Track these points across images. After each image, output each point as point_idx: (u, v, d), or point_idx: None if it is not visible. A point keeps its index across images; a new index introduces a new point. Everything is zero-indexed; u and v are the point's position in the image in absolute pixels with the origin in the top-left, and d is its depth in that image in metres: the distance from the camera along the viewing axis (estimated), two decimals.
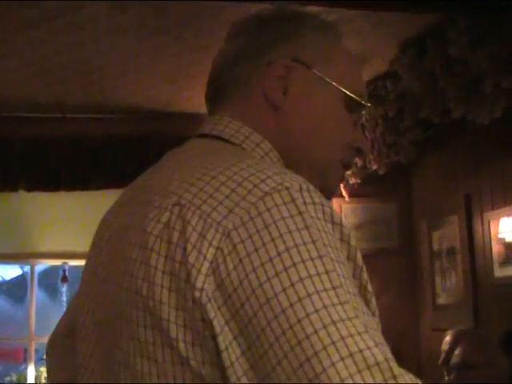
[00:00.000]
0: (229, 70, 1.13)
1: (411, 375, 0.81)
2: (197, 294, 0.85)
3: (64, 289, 7.87)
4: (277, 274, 0.82)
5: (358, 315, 0.82)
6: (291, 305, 0.80)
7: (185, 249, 0.87)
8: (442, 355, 4.06)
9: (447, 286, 5.06)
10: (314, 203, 0.89)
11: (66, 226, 5.34)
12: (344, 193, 5.41)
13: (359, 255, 0.93)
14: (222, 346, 0.83)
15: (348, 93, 1.13)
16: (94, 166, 4.89)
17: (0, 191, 5.06)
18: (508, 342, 3.76)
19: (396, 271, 5.51)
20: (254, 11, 1.19)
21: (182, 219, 0.89)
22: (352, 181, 5.31)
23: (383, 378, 0.78)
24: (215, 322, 0.84)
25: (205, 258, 0.85)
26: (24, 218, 5.25)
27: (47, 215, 5.28)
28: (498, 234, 4.45)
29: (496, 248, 4.48)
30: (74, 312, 1.14)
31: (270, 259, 0.83)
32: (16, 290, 9.25)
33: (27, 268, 6.65)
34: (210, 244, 0.86)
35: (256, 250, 0.84)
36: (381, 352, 0.80)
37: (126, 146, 4.97)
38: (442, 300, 5.13)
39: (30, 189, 4.95)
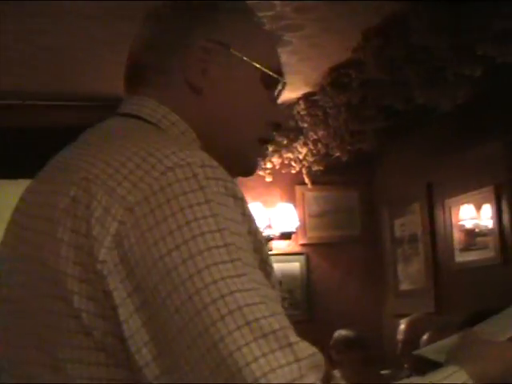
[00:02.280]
0: (147, 53, 1.14)
1: (307, 343, 0.86)
2: (99, 266, 0.88)
3: None
4: (177, 247, 0.85)
5: (255, 287, 0.86)
6: (190, 276, 0.84)
7: (89, 222, 0.89)
8: (399, 345, 4.10)
9: (409, 273, 5.12)
10: (215, 178, 0.92)
11: None
12: (307, 180, 5.43)
13: (260, 230, 0.97)
14: (122, 317, 0.86)
15: (266, 70, 1.16)
16: (54, 154, 4.82)
17: None
18: (471, 325, 3.81)
19: (359, 259, 5.55)
20: None
21: (87, 193, 0.92)
22: (315, 168, 5.32)
23: (279, 345, 0.83)
24: (115, 294, 0.86)
25: (108, 231, 0.88)
26: None
27: (7, 203, 5.20)
28: (458, 220, 4.50)
29: (457, 234, 4.54)
30: None
31: (171, 232, 0.86)
32: None
33: None
34: (114, 218, 0.89)
35: (157, 223, 0.87)
36: (277, 321, 0.84)
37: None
38: (404, 286, 5.19)
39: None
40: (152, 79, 1.13)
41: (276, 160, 5.41)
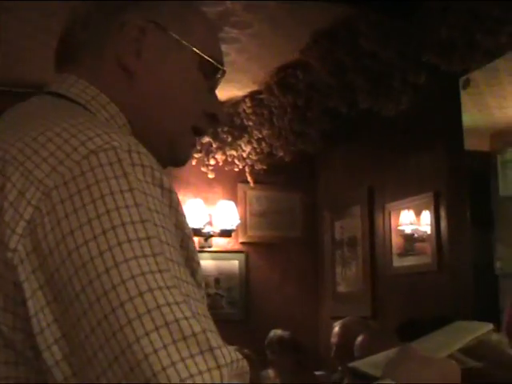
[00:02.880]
0: (80, 30, 1.07)
1: (230, 348, 0.79)
2: (9, 254, 0.80)
3: None
4: (94, 238, 0.79)
5: (178, 285, 0.80)
6: (107, 270, 0.77)
7: (1, 207, 0.82)
8: (333, 348, 4.12)
9: (347, 275, 5.15)
10: (142, 165, 0.85)
11: None
12: (249, 179, 5.41)
13: (188, 224, 0.90)
14: (32, 311, 0.79)
15: (205, 56, 1.10)
16: None
17: None
18: (405, 331, 3.84)
19: (299, 260, 5.56)
20: None
21: (2, 175, 0.84)
22: (258, 167, 5.31)
23: (199, 349, 0.76)
24: (25, 286, 0.79)
25: (21, 217, 0.81)
26: None
27: None
28: (398, 225, 4.54)
29: (395, 239, 4.57)
30: None
31: (89, 221, 0.79)
32: None
33: None
34: (29, 203, 0.81)
35: (75, 210, 0.80)
36: (199, 322, 0.78)
37: None
38: (341, 289, 5.21)
39: None
40: (83, 58, 1.06)
41: (219, 157, 5.39)
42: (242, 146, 5.31)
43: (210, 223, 5.36)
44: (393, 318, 4.30)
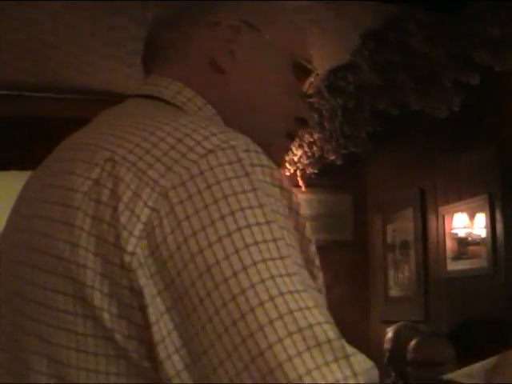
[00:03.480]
0: (167, 32, 1.06)
1: (364, 356, 0.75)
2: (127, 258, 0.76)
3: None
4: (220, 240, 0.75)
5: (307, 289, 0.76)
6: (234, 274, 0.73)
7: (115, 209, 0.78)
8: (386, 354, 4.08)
9: (399, 279, 5.09)
10: (262, 165, 0.81)
11: None
12: (301, 183, 5.40)
13: (308, 227, 0.85)
14: (153, 319, 0.75)
15: (298, 58, 1.07)
16: (46, 146, 4.79)
17: None
18: (459, 336, 3.79)
19: (349, 263, 5.52)
20: None
21: (114, 176, 0.80)
22: (309, 171, 5.30)
23: (334, 356, 0.72)
24: (146, 291, 0.75)
25: (138, 219, 0.77)
26: None
27: None
28: (451, 229, 4.47)
29: (449, 243, 4.51)
30: None
31: (213, 223, 0.75)
32: None
33: None
34: (145, 204, 0.77)
35: (197, 212, 0.76)
36: (332, 328, 0.74)
37: (78, 127, 4.88)
38: (393, 292, 5.16)
39: None
40: (172, 59, 1.04)
41: None
42: (293, 150, 5.30)
43: None
44: (446, 323, 4.24)
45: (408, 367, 3.75)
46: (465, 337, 3.89)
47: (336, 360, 0.72)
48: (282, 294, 0.73)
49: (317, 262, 0.86)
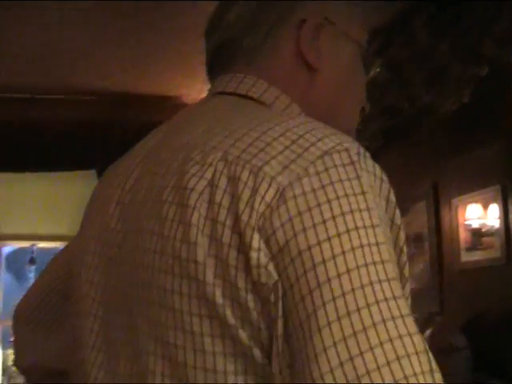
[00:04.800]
0: (252, 32, 1.05)
1: (440, 375, 0.75)
2: (253, 254, 0.76)
3: (31, 271, 7.80)
4: (328, 239, 0.75)
5: (403, 295, 0.75)
6: (338, 275, 0.73)
7: (236, 211, 0.78)
8: None
9: (414, 272, 5.09)
10: (369, 172, 0.83)
11: (33, 207, 5.29)
12: None
13: (403, 238, 0.84)
14: (280, 313, 0.76)
15: (366, 49, 1.11)
16: (59, 148, 4.85)
17: None
18: (472, 327, 3.80)
19: None
20: None
21: (227, 177, 0.80)
22: None
23: (421, 369, 0.72)
24: (279, 286, 0.76)
25: (257, 214, 0.77)
26: None
27: (14, 197, 5.24)
28: (464, 220, 4.47)
29: (463, 234, 4.51)
30: (52, 283, 1.08)
31: (324, 221, 0.76)
32: None
33: None
34: (263, 199, 0.78)
35: (309, 209, 0.77)
36: (422, 341, 0.74)
37: (92, 129, 4.94)
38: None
39: None
40: (254, 59, 1.05)
41: None
42: None
43: None
44: (461, 314, 4.24)
45: None
46: (478, 329, 3.90)
47: (422, 372, 0.71)
48: (385, 300, 0.73)
49: (406, 273, 0.84)
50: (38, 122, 4.98)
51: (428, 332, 3.80)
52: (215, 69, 1.09)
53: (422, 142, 4.91)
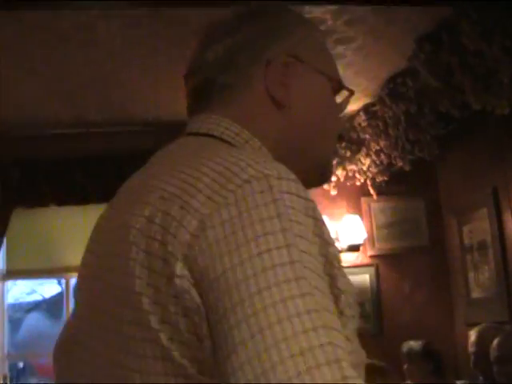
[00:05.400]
0: (221, 72, 1.12)
1: (361, 381, 0.79)
2: (177, 281, 0.83)
3: None
4: (241, 263, 0.80)
5: (318, 309, 0.79)
6: (250, 296, 0.79)
7: (164, 242, 0.85)
8: (472, 357, 4.03)
9: (480, 280, 5.01)
10: (290, 193, 0.87)
11: None
12: (372, 191, 5.40)
13: (333, 252, 0.89)
14: (204, 333, 0.83)
15: (337, 80, 1.17)
16: (119, 179, 4.94)
17: (31, 207, 5.14)
18: None
19: (428, 268, 5.47)
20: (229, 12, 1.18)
21: (163, 212, 0.88)
22: (379, 179, 5.29)
23: (332, 377, 0.75)
24: (201, 309, 0.82)
25: (181, 244, 0.84)
26: (56, 233, 5.32)
27: (79, 229, 5.34)
28: None
29: None
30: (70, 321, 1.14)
31: (238, 247, 0.81)
32: (55, 306, 9.36)
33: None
34: (187, 230, 0.84)
35: (225, 236, 0.83)
36: (333, 351, 0.77)
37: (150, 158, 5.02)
38: (475, 294, 5.08)
39: (59, 203, 5.02)
40: (225, 97, 1.12)
41: (340, 172, 5.41)
42: (361, 159, 5.31)
43: (337, 239, 5.38)
44: None
45: (493, 366, 3.71)
46: None
47: (334, 380, 0.75)
48: (289, 317, 0.77)
49: (339, 284, 0.89)
50: (97, 154, 5.10)
51: (496, 341, 3.73)
52: (193, 108, 1.16)
53: (479, 148, 4.85)
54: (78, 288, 1.09)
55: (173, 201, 0.88)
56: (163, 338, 0.84)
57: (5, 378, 4.98)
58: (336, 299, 0.88)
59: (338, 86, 1.19)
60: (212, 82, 1.13)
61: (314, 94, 1.14)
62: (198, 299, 0.82)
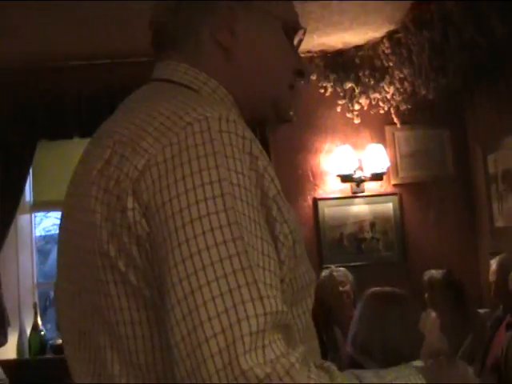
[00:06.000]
0: (174, 17, 1.19)
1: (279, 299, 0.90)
2: (130, 213, 0.95)
3: None
4: (177, 196, 0.92)
5: (242, 236, 0.91)
6: (182, 225, 0.90)
7: (118, 179, 0.98)
8: (492, 286, 4.04)
9: (504, 210, 4.99)
10: (228, 132, 0.97)
11: None
12: (396, 120, 5.34)
13: (267, 184, 0.99)
14: (154, 258, 0.95)
15: (287, 19, 1.23)
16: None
17: (55, 139, 5.17)
18: None
19: (453, 197, 5.44)
20: None
21: (119, 154, 1.00)
22: (403, 107, 5.22)
23: (250, 296, 0.87)
24: (151, 237, 0.95)
25: (131, 181, 0.96)
26: None
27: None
28: None
29: None
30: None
31: (175, 181, 0.93)
32: None
33: None
34: (136, 168, 0.96)
35: (166, 172, 0.94)
36: (251, 274, 0.89)
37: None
38: (499, 223, 5.05)
39: (83, 135, 5.03)
40: (180, 43, 1.18)
41: (363, 101, 5.35)
42: (385, 87, 5.24)
43: (360, 168, 5.35)
44: None
45: None
46: None
47: (251, 300, 0.88)
48: (215, 245, 0.90)
49: (280, 214, 1.01)
50: (121, 85, 5.05)
51: None
52: (156, 54, 1.23)
53: (508, 76, 4.75)
54: (59, 227, 1.20)
55: (127, 144, 1.00)
56: (120, 264, 0.97)
57: (35, 305, 5.11)
58: (272, 227, 0.99)
59: (290, 25, 1.24)
60: (165, 30, 1.20)
61: (262, 35, 1.19)
62: (147, 228, 0.94)
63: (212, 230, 0.90)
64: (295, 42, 1.27)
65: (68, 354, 1.13)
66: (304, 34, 1.28)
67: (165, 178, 0.94)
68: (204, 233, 0.89)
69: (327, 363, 0.99)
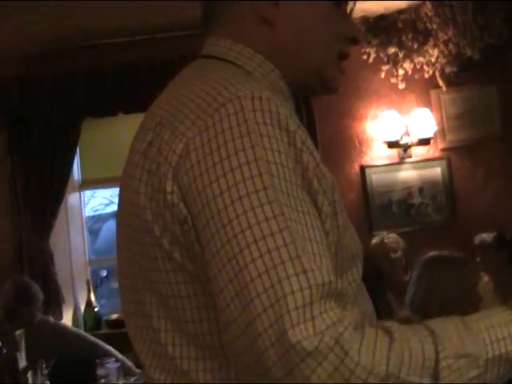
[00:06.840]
0: None
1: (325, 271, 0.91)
2: (169, 197, 0.99)
3: None
4: (217, 179, 0.94)
5: (284, 212, 0.92)
6: (225, 207, 0.93)
7: (159, 162, 1.01)
8: None
9: None
10: (262, 110, 0.98)
11: None
12: (441, 83, 5.25)
13: (307, 158, 1.00)
14: (193, 238, 0.99)
15: None
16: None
17: (100, 117, 5.21)
18: None
19: (502, 158, 5.35)
20: None
21: (159, 137, 1.03)
22: (448, 70, 5.14)
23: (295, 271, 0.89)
24: (188, 219, 0.98)
25: (170, 165, 0.99)
26: (126, 142, 5.37)
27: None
28: None
29: None
30: None
31: (214, 165, 0.95)
32: None
33: None
34: (175, 152, 0.99)
35: (204, 156, 0.96)
36: (301, 263, 0.89)
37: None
38: None
39: (127, 111, 5.06)
40: (224, 18, 1.19)
41: (407, 65, 5.26)
42: (429, 50, 5.15)
43: (406, 133, 5.29)
44: None
45: None
46: None
47: (296, 274, 0.89)
48: (258, 223, 0.92)
49: (319, 185, 1.01)
50: (163, 60, 5.05)
51: None
52: (202, 27, 1.25)
53: None
54: (117, 205, 1.24)
55: (166, 127, 1.03)
56: (165, 243, 1.01)
57: (88, 282, 5.18)
58: (315, 199, 1.00)
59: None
60: (210, 5, 1.22)
61: (306, 5, 1.17)
62: (185, 211, 0.98)
63: (253, 208, 0.92)
64: (347, 8, 1.25)
65: (126, 319, 1.19)
66: (355, 3, 1.26)
67: (204, 163, 0.96)
68: (245, 212, 0.92)
69: (388, 323, 0.95)
